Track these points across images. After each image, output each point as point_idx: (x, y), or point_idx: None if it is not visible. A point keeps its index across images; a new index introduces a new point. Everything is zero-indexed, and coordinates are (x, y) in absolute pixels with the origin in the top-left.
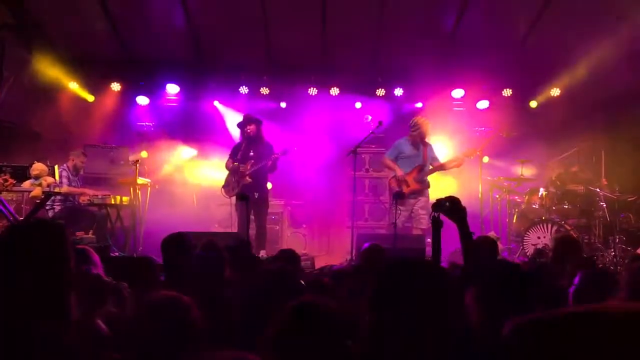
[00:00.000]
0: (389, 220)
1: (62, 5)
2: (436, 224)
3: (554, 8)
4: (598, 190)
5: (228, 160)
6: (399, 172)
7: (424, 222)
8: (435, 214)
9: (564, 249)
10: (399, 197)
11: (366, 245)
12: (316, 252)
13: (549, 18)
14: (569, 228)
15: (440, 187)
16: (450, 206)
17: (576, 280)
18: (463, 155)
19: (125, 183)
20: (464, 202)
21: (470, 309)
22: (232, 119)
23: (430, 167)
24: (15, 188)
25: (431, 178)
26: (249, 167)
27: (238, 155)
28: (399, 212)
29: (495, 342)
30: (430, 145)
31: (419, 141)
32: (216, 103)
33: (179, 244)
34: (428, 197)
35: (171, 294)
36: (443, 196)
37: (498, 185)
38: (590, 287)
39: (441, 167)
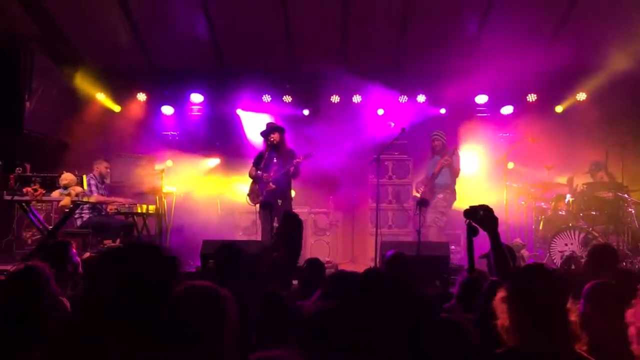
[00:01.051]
0: (413, 228)
1: (86, 15)
2: (471, 231)
3: (579, 11)
4: (626, 196)
5: (251, 168)
6: (419, 179)
7: (430, 233)
8: (469, 221)
9: (601, 258)
10: (422, 205)
11: (390, 252)
12: (340, 259)
13: (574, 21)
14: (596, 234)
15: (463, 193)
16: (484, 214)
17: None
18: (445, 160)
19: (151, 192)
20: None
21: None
22: (255, 127)
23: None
24: (45, 198)
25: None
26: (272, 174)
27: (261, 163)
28: (423, 218)
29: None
30: (450, 155)
31: (434, 152)
32: (239, 111)
33: (232, 253)
34: (444, 199)
35: (207, 284)
36: (476, 204)
37: (524, 191)
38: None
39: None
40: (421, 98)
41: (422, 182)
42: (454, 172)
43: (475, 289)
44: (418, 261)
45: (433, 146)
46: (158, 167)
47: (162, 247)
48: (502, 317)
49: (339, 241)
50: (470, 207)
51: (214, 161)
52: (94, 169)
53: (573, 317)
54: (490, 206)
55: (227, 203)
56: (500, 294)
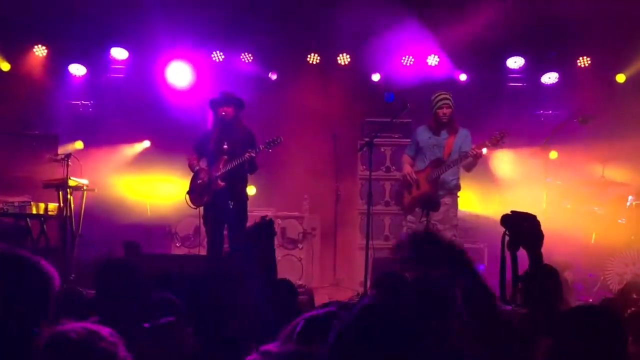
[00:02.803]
0: None
1: None
2: (511, 244)
3: None
4: None
5: (192, 156)
6: (406, 169)
7: None
8: (507, 233)
9: None
10: (431, 208)
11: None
12: (317, 282)
13: None
14: None
15: (486, 193)
16: (529, 227)
17: None
18: (477, 146)
19: (51, 185)
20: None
21: None
22: (200, 96)
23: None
24: None
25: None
26: (221, 166)
27: (207, 147)
28: (407, 227)
29: None
30: (463, 132)
31: (439, 126)
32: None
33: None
34: (453, 206)
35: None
36: (518, 210)
37: (570, 191)
38: None
39: (454, 162)
40: (432, 59)
41: (409, 170)
42: (470, 167)
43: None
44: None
45: (438, 115)
46: (62, 150)
47: (36, 260)
48: None
49: (315, 257)
50: (512, 212)
51: (142, 144)
52: None
53: None
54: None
55: (159, 203)
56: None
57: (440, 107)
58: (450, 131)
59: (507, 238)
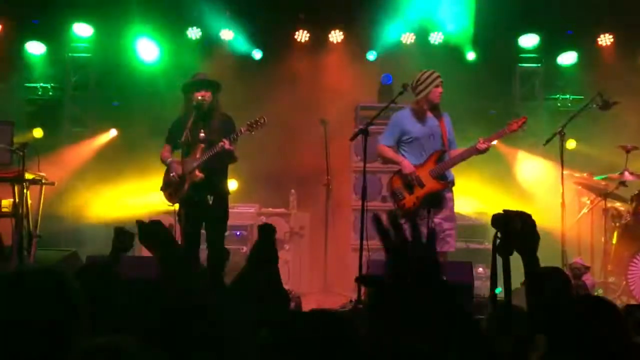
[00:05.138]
0: None
1: None
2: (502, 248)
3: None
4: None
5: (165, 146)
6: (408, 167)
7: (451, 242)
8: (498, 233)
9: None
10: (434, 205)
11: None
12: (306, 288)
13: None
14: None
15: (493, 188)
16: (522, 227)
17: None
18: (487, 139)
19: (5, 179)
20: (536, 209)
21: None
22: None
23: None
24: None
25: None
26: (198, 156)
27: (182, 137)
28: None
29: None
30: (447, 117)
31: (428, 110)
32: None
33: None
34: (453, 201)
35: None
36: (510, 209)
37: (589, 184)
38: None
39: (459, 157)
40: (436, 37)
41: (412, 167)
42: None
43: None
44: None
45: (435, 95)
46: (18, 139)
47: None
48: None
49: (304, 259)
50: (504, 212)
51: (108, 133)
52: None
53: None
54: (535, 205)
55: (128, 199)
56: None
57: (438, 86)
58: (437, 115)
59: (497, 241)
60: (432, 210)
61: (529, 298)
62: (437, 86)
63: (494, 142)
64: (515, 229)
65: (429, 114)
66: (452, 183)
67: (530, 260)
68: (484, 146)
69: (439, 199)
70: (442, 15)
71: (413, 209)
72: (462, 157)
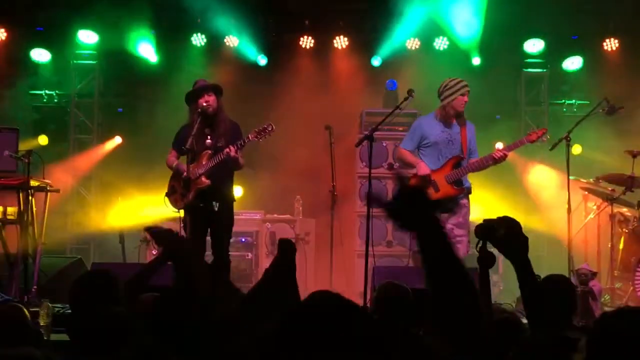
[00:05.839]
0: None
1: None
2: (484, 260)
3: None
4: None
5: (170, 152)
6: (423, 169)
7: (462, 248)
8: (481, 243)
9: None
10: (449, 210)
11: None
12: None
13: None
14: None
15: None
16: (505, 234)
17: None
18: (507, 148)
19: (10, 186)
20: (542, 215)
21: None
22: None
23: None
24: None
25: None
26: (204, 162)
27: (187, 143)
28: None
29: None
30: (470, 127)
31: (453, 117)
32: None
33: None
34: (468, 208)
35: None
36: (493, 216)
37: (595, 190)
38: None
39: (476, 164)
40: (440, 43)
41: (428, 169)
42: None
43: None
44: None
45: (458, 103)
46: (23, 146)
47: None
48: None
49: (309, 265)
50: (484, 221)
51: (113, 140)
52: None
53: None
54: (542, 211)
55: (133, 206)
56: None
57: (464, 94)
58: (460, 122)
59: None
60: (446, 216)
61: (527, 311)
62: (462, 95)
63: (511, 152)
64: (500, 235)
65: (452, 121)
66: (469, 190)
67: (520, 263)
68: (499, 154)
69: (454, 204)
70: (452, 19)
71: (444, 200)
72: (479, 165)
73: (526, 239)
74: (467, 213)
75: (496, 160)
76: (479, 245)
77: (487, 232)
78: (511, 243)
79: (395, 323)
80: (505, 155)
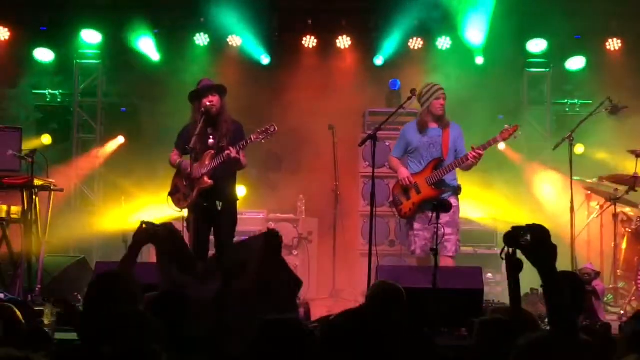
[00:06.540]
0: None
1: None
2: (513, 266)
3: None
4: None
5: (174, 150)
6: (402, 173)
7: (449, 247)
8: (509, 250)
9: None
10: (442, 210)
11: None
12: (314, 294)
13: None
14: None
15: (502, 194)
16: (533, 241)
17: None
18: (480, 147)
19: (14, 185)
20: (545, 215)
21: None
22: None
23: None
24: None
25: (471, 179)
26: (207, 162)
27: (190, 143)
28: (414, 235)
29: None
30: (455, 127)
31: (431, 121)
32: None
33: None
34: (457, 207)
35: None
36: (523, 223)
37: (598, 189)
38: None
39: (453, 165)
40: (443, 42)
41: (406, 173)
42: (468, 167)
43: (504, 338)
44: (434, 297)
45: (435, 107)
46: (27, 145)
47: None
48: None
49: (312, 265)
50: (513, 228)
51: (116, 140)
52: None
53: None
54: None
55: (137, 205)
56: None
57: (438, 98)
58: (442, 125)
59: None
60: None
61: (550, 318)
62: (437, 98)
63: (484, 150)
64: (527, 242)
65: (433, 125)
66: (456, 190)
67: (547, 271)
68: (473, 154)
69: (447, 204)
70: (456, 19)
71: (410, 214)
72: (456, 165)
73: (554, 247)
74: (456, 212)
75: (471, 160)
76: (504, 250)
77: (515, 239)
78: (539, 250)
79: (389, 319)
80: (480, 155)
